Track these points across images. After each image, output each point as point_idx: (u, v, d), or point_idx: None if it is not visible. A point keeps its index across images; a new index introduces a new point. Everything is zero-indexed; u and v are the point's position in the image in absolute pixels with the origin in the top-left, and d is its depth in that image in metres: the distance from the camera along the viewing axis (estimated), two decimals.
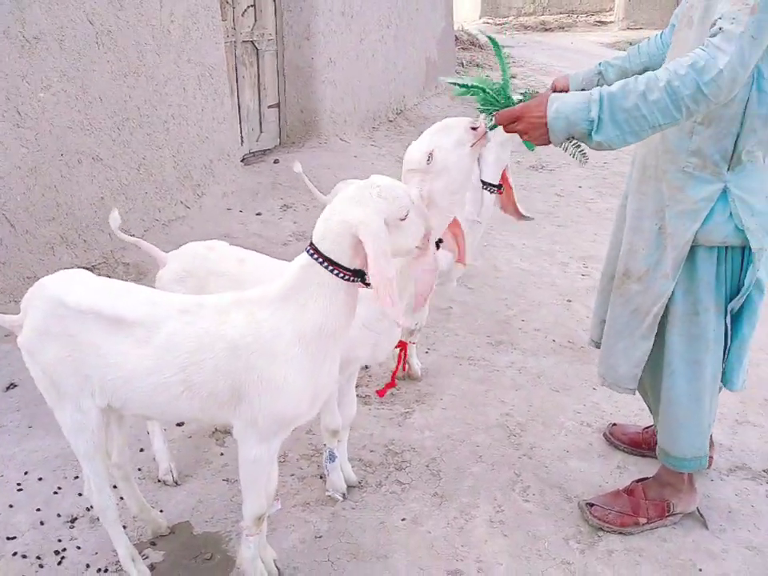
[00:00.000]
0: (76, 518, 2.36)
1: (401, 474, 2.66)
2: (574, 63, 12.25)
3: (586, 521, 2.42)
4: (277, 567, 2.15)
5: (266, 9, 6.11)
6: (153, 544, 2.27)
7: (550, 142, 1.91)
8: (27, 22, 3.53)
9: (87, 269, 2.42)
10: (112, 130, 4.15)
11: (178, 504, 2.45)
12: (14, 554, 2.20)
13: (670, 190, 2.15)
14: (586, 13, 20.80)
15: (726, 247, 2.12)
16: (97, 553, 2.22)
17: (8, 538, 2.26)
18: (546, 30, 19.55)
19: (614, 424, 2.92)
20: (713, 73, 1.73)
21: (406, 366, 3.30)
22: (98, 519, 2.19)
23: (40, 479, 2.53)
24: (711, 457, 2.50)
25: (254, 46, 6.01)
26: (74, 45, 3.82)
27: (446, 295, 3.99)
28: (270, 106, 6.37)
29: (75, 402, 1.84)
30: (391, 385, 3.19)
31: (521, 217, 3.09)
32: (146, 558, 2.20)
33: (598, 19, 20.42)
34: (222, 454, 2.72)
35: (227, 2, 5.56)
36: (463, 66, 11.26)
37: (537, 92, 2.14)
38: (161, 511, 2.38)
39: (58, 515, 2.37)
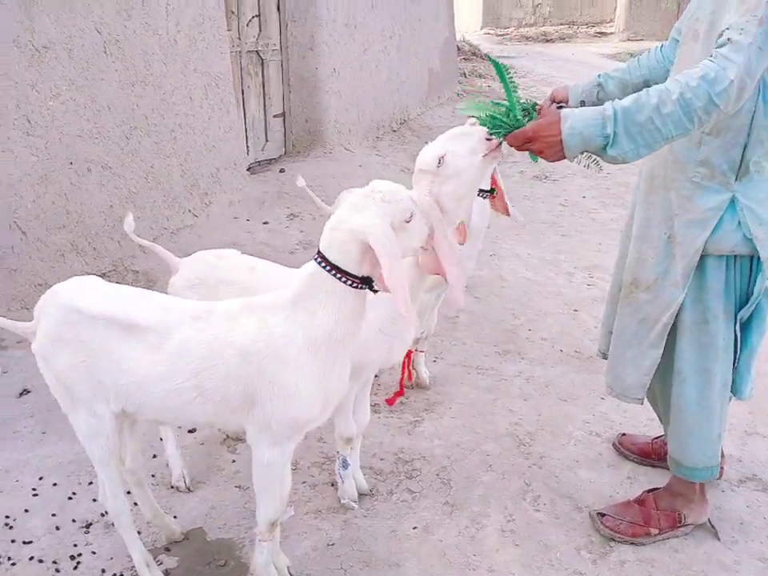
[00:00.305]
0: (91, 524, 2.37)
1: (411, 482, 2.66)
2: (575, 74, 12.33)
3: (598, 531, 2.42)
4: (290, 574, 2.15)
5: (270, 19, 6.15)
6: (167, 550, 2.28)
7: (564, 158, 1.92)
8: (36, 31, 3.56)
9: (98, 276, 2.44)
10: (120, 138, 4.18)
11: (191, 510, 2.46)
12: (31, 558, 2.21)
13: (678, 200, 2.17)
14: (587, 24, 20.95)
15: (735, 256, 2.13)
16: (112, 558, 2.23)
17: (24, 543, 2.28)
18: (547, 40, 19.70)
19: (623, 434, 2.93)
20: (725, 83, 1.76)
21: (413, 374, 3.32)
22: (112, 525, 2.21)
23: (55, 484, 2.54)
24: (722, 467, 2.50)
25: (259, 56, 6.06)
26: (82, 54, 3.86)
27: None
28: (275, 116, 6.40)
29: (89, 408, 1.86)
30: (400, 393, 3.21)
31: (509, 214, 3.09)
32: (161, 563, 2.21)
33: (598, 30, 20.58)
34: (233, 461, 2.73)
35: (232, 12, 5.60)
36: (465, 77, 11.34)
37: (536, 103, 2.15)
38: (174, 517, 2.38)
39: (73, 520, 2.38)
